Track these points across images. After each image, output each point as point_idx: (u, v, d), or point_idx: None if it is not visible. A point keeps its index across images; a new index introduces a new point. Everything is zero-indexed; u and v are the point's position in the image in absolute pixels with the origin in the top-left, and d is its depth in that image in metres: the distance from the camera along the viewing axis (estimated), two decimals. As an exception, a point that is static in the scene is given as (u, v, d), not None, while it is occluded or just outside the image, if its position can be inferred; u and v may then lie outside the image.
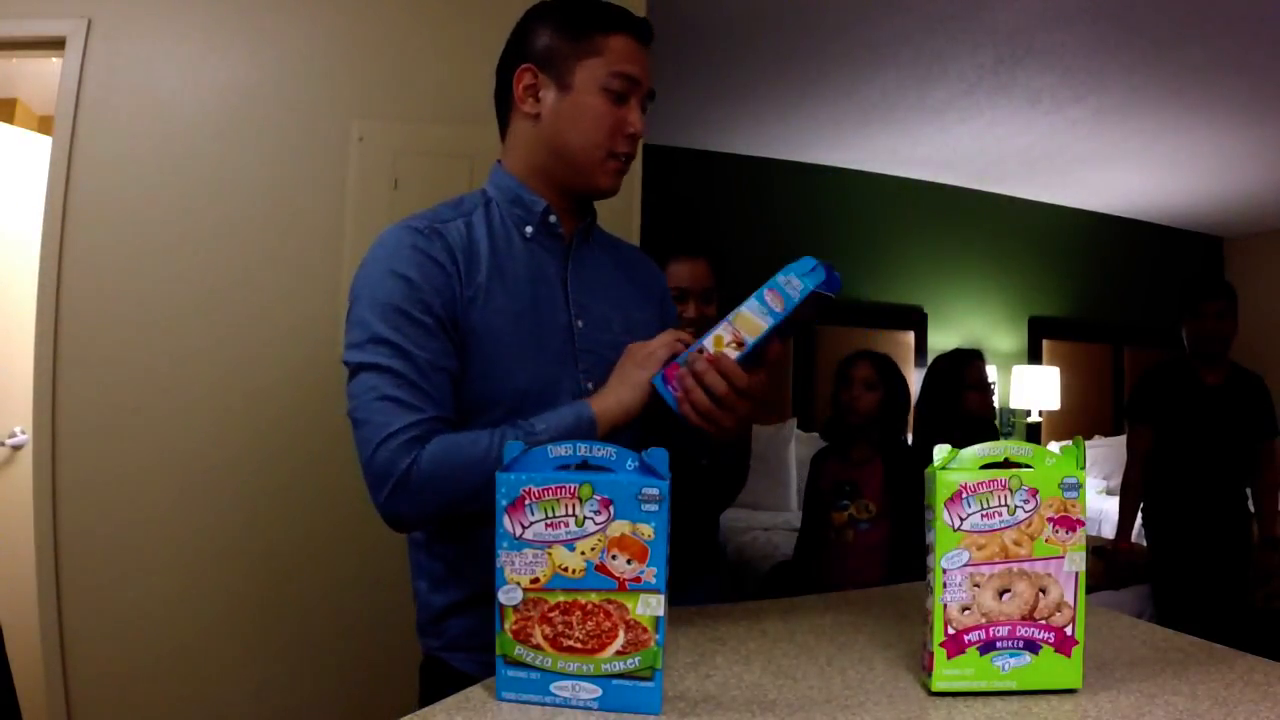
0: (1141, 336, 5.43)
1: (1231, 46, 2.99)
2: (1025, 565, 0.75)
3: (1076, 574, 0.75)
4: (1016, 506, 0.75)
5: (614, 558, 0.69)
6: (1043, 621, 0.75)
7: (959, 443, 0.78)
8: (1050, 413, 5.04)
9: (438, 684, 1.00)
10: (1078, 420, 5.16)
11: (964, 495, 0.74)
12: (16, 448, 2.51)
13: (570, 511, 0.70)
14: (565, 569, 0.70)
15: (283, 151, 2.00)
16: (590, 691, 0.70)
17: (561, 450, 0.71)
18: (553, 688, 0.70)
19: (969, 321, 5.05)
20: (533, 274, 0.99)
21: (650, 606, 0.69)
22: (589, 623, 0.70)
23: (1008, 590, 0.75)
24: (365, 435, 0.88)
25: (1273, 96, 3.43)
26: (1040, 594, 0.75)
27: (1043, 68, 3.26)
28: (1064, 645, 0.75)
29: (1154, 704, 0.72)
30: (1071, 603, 0.75)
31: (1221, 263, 5.96)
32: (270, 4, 2.01)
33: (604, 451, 0.71)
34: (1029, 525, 0.75)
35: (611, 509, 0.69)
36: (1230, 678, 0.79)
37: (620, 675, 0.69)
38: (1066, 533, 0.75)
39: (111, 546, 1.89)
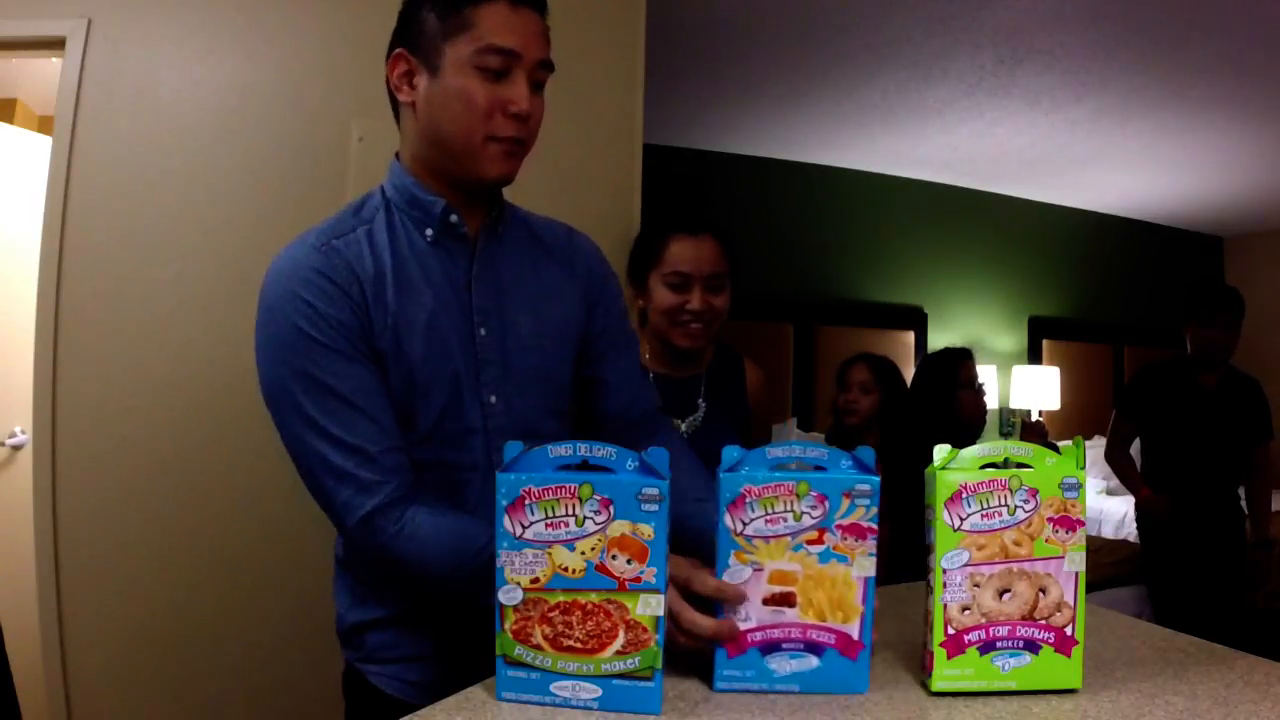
0: (1141, 336, 5.43)
1: (1231, 46, 2.99)
2: (1025, 565, 0.75)
3: (1076, 574, 0.75)
4: (1016, 506, 0.75)
5: (614, 557, 0.69)
6: (1043, 621, 0.75)
7: (955, 445, 0.78)
8: (1050, 413, 5.04)
9: (356, 698, 1.00)
10: (1078, 420, 5.16)
11: (964, 495, 0.74)
12: (16, 448, 2.51)
13: (570, 511, 0.70)
14: (565, 569, 0.70)
15: (283, 151, 2.00)
16: (590, 691, 0.70)
17: (561, 450, 0.71)
18: (553, 688, 0.70)
19: (969, 321, 5.05)
20: (439, 280, 0.92)
21: (650, 606, 0.69)
22: (589, 623, 0.70)
23: (1008, 590, 0.75)
24: (329, 509, 0.87)
25: (1273, 96, 3.43)
26: (1040, 594, 0.75)
27: (1043, 68, 3.25)
28: (1064, 645, 0.75)
29: (1154, 704, 0.72)
30: (1071, 603, 0.75)
31: (1221, 263, 5.96)
32: (270, 4, 2.01)
33: (604, 451, 0.71)
34: (1029, 525, 0.75)
35: (611, 509, 0.69)
36: (1230, 678, 0.79)
37: (620, 675, 0.69)
38: (1066, 533, 0.75)
39: (111, 546, 1.89)
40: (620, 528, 0.69)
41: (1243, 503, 2.76)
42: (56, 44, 1.93)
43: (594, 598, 0.69)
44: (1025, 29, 2.93)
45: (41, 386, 1.87)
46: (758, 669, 0.74)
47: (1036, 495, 0.75)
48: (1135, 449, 2.89)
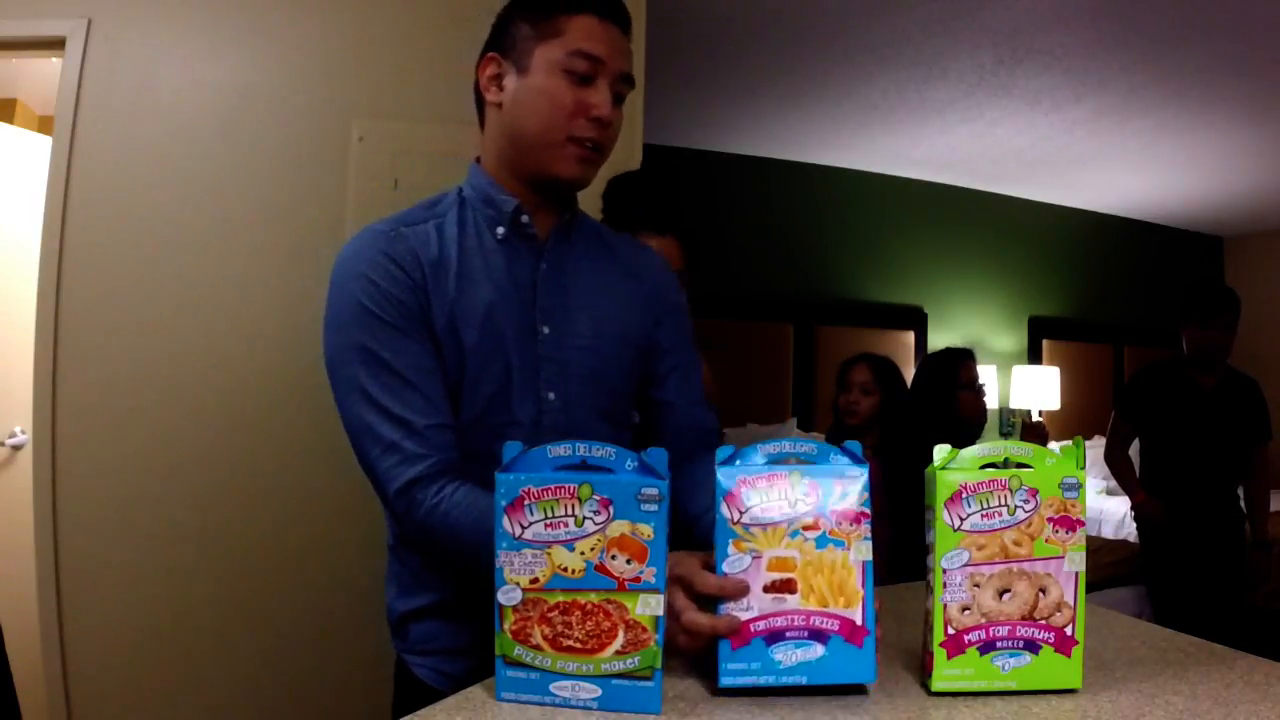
0: (1141, 336, 5.43)
1: (1231, 47, 2.98)
2: (1025, 565, 0.75)
3: (1076, 574, 0.75)
4: (1016, 506, 0.75)
5: (613, 557, 0.69)
6: (1043, 621, 0.75)
7: (955, 446, 0.78)
8: (1050, 413, 5.04)
9: (402, 689, 1.02)
10: (1078, 420, 5.16)
11: (964, 495, 0.74)
12: (16, 448, 2.51)
13: (570, 511, 0.69)
14: (565, 569, 0.70)
15: (283, 151, 2.00)
16: (590, 691, 0.70)
17: (560, 450, 0.71)
18: (552, 688, 0.70)
19: (969, 321, 5.05)
20: (502, 277, 0.95)
21: (650, 606, 0.69)
22: (588, 622, 0.70)
23: (1008, 590, 0.75)
24: (373, 480, 0.90)
25: (1273, 96, 3.43)
26: (1040, 594, 0.75)
27: (1042, 68, 3.25)
28: (1064, 645, 0.75)
29: (1154, 704, 0.72)
30: (1071, 603, 0.75)
31: (1221, 263, 5.96)
32: (270, 4, 2.01)
33: (603, 451, 0.71)
34: (1029, 525, 0.75)
35: (611, 509, 0.69)
36: (1230, 678, 0.78)
37: (620, 675, 0.69)
38: (1066, 533, 0.75)
39: (111, 546, 1.89)
40: (620, 528, 0.69)
41: (1242, 503, 2.76)
42: (56, 44, 1.93)
43: (593, 598, 0.69)
44: (1025, 29, 2.93)
45: (41, 386, 1.87)
46: (763, 661, 0.72)
47: (1036, 495, 0.75)
48: (1135, 450, 2.89)
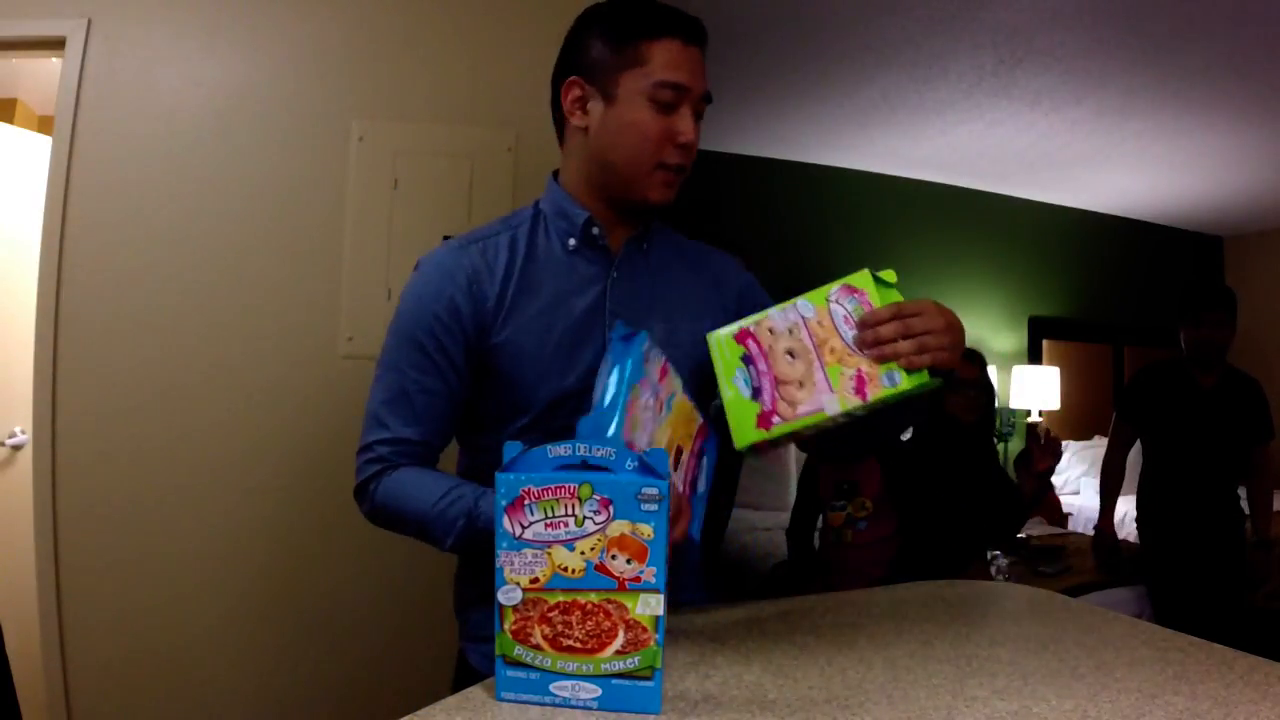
0: (1141, 336, 5.43)
1: (1231, 47, 2.98)
2: (819, 366, 0.84)
3: (824, 409, 0.83)
4: (850, 347, 0.84)
5: (614, 557, 0.69)
6: (773, 397, 0.84)
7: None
8: (1050, 413, 5.04)
9: (458, 675, 1.07)
10: (1078, 420, 5.16)
11: (859, 296, 0.84)
12: (16, 448, 2.51)
13: (570, 511, 0.70)
14: (565, 569, 0.70)
15: (283, 151, 2.00)
16: (590, 691, 0.70)
17: (561, 450, 0.71)
18: (552, 688, 0.70)
19: (969, 321, 4.97)
20: (569, 285, 0.99)
21: (650, 606, 0.69)
22: (589, 622, 0.70)
23: (794, 356, 0.85)
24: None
25: (1273, 97, 3.43)
26: (797, 384, 0.84)
27: (1042, 68, 3.25)
28: (765, 421, 0.85)
29: (1154, 704, 0.72)
30: (790, 416, 0.83)
31: (1221, 263, 5.96)
32: (270, 4, 2.01)
33: (603, 451, 0.71)
34: (847, 360, 0.83)
35: (611, 509, 0.69)
36: (1230, 678, 0.78)
37: (620, 675, 0.69)
38: (854, 394, 0.82)
39: (111, 546, 1.89)
40: (620, 527, 0.69)
41: (1243, 503, 2.76)
42: (56, 44, 1.93)
43: (594, 598, 0.69)
44: (1025, 29, 2.93)
45: (41, 386, 1.87)
46: (698, 511, 0.88)
47: (892, 375, 0.82)
48: (1137, 448, 2.88)
